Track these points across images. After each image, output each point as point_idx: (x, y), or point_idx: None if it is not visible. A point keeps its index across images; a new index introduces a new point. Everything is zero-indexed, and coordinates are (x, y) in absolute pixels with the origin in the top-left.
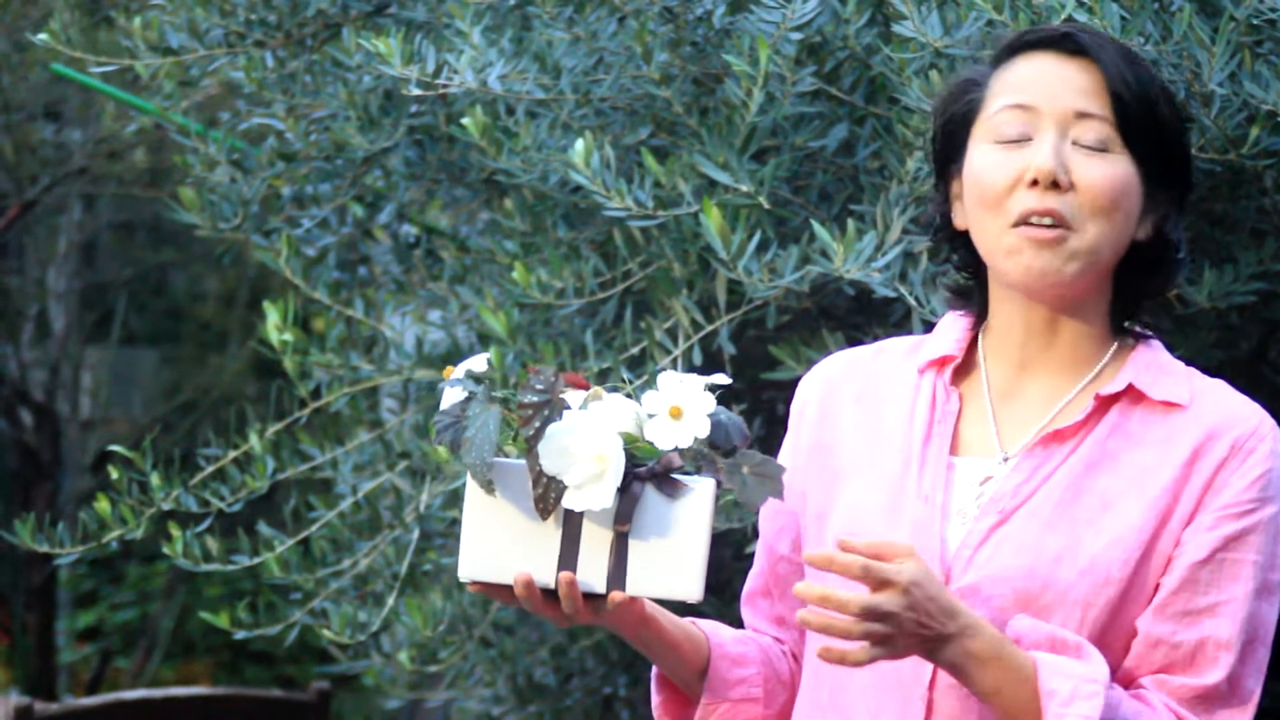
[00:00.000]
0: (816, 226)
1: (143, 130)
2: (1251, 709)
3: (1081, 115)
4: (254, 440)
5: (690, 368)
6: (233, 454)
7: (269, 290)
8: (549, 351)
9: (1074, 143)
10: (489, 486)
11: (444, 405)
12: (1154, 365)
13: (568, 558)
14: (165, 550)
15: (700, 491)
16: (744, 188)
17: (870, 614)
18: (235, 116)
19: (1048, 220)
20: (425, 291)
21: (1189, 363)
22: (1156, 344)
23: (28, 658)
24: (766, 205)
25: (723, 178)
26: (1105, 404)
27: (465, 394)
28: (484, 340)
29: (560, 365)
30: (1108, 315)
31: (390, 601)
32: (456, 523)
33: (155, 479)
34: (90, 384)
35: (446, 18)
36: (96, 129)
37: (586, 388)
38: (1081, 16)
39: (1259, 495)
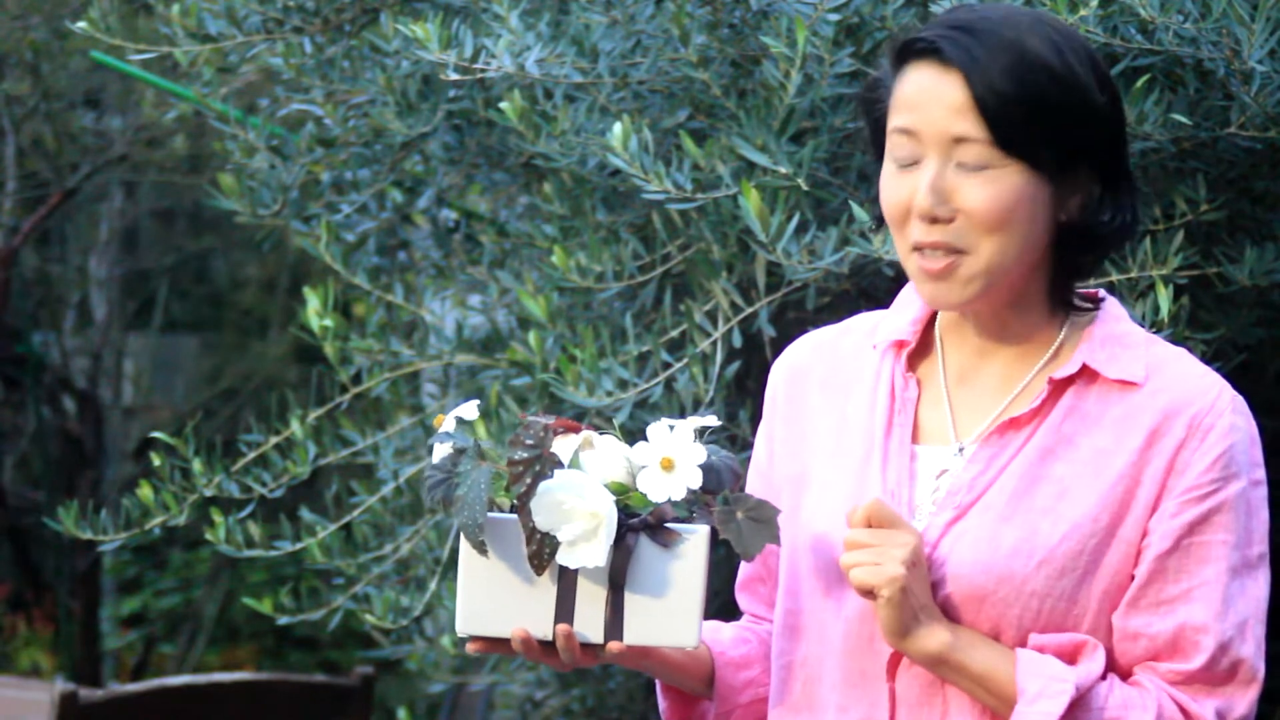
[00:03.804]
0: (855, 208)
1: (182, 117)
2: (1257, 686)
3: (958, 140)
4: (295, 426)
5: (730, 351)
6: (274, 440)
7: (309, 276)
8: (589, 335)
9: (958, 164)
10: (481, 547)
11: (435, 459)
12: (1109, 340)
13: (564, 610)
14: (208, 536)
15: (694, 540)
16: (782, 169)
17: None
18: (274, 103)
19: (938, 251)
20: (465, 276)
21: (1214, 344)
22: (1112, 312)
23: (72, 644)
24: (805, 187)
25: (761, 160)
26: (1060, 387)
27: (455, 448)
28: (524, 324)
29: (600, 348)
30: (1050, 295)
31: (432, 586)
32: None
33: (197, 465)
34: (132, 371)
35: (484, 2)
36: (136, 116)
37: (578, 430)
38: None
39: (1221, 474)
